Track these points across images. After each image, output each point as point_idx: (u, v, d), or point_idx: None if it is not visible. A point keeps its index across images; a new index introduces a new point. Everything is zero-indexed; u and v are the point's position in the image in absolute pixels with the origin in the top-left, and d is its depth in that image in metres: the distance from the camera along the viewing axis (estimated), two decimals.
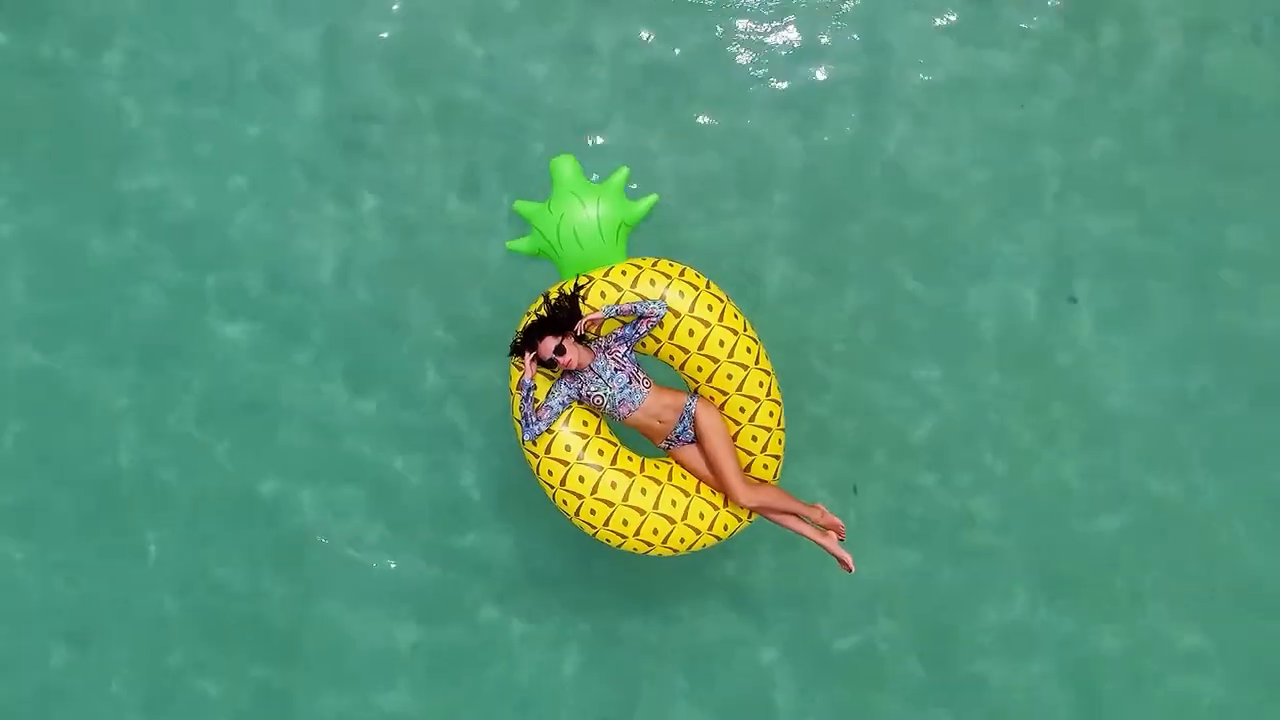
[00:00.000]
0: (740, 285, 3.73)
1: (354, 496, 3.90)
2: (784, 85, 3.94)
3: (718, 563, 3.84)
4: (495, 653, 3.86)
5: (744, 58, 3.97)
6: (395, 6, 3.98)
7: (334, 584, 3.88)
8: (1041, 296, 3.82)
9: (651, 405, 2.93)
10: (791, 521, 3.04)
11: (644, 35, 3.95)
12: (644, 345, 2.96)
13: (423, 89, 3.95)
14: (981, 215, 3.86)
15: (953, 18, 3.94)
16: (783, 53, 3.95)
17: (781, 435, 3.05)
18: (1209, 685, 3.82)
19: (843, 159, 3.90)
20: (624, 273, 2.90)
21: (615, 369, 2.90)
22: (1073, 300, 3.82)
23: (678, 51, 3.95)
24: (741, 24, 3.97)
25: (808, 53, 3.94)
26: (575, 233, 2.91)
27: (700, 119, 3.95)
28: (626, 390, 2.90)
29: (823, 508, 3.09)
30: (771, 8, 3.96)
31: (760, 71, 3.96)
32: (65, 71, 3.97)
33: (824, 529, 3.06)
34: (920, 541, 3.82)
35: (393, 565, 3.90)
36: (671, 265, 2.94)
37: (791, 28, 3.97)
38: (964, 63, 3.91)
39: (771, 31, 3.97)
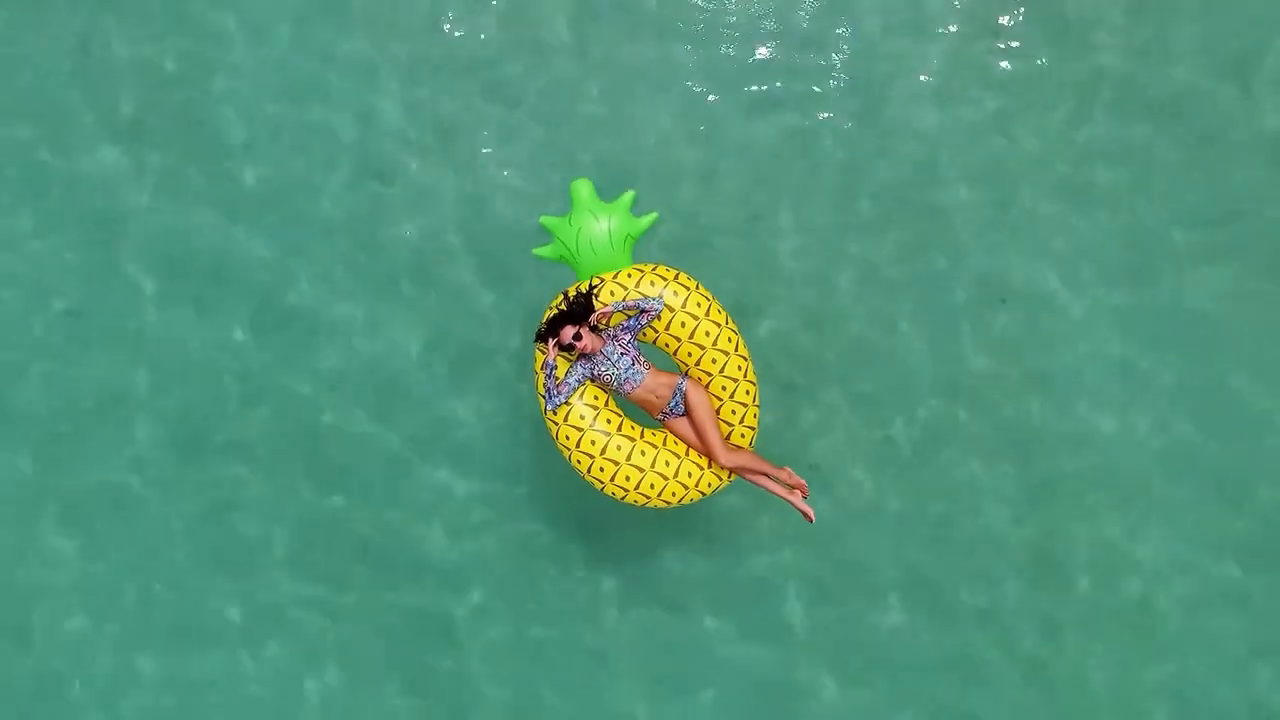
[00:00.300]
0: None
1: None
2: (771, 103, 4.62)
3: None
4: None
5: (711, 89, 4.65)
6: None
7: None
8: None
9: (650, 384, 3.60)
10: (763, 481, 3.70)
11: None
12: (645, 335, 3.62)
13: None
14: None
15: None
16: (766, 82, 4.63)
17: (756, 410, 3.71)
18: None
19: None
20: (630, 276, 3.56)
21: (621, 353, 3.56)
22: (1003, 301, 4.50)
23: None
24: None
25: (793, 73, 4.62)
26: (590, 242, 3.58)
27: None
28: (630, 371, 3.57)
29: (790, 470, 3.75)
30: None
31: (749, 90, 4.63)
32: None
33: (791, 488, 3.73)
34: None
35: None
36: (668, 270, 3.60)
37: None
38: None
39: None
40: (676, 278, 3.58)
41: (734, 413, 3.67)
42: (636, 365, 3.57)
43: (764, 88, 4.59)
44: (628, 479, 3.60)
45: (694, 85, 4.60)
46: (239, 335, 4.64)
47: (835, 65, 4.56)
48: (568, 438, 3.60)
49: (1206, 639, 4.43)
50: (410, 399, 4.63)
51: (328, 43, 4.65)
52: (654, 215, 3.71)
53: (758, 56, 4.59)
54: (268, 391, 4.63)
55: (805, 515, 3.72)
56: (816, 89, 4.57)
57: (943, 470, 4.49)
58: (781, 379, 4.48)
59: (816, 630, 4.51)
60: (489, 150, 4.65)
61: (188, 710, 4.60)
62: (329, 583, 4.60)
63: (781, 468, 3.73)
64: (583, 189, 3.64)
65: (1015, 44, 4.53)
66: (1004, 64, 4.52)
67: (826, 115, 4.56)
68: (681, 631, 4.53)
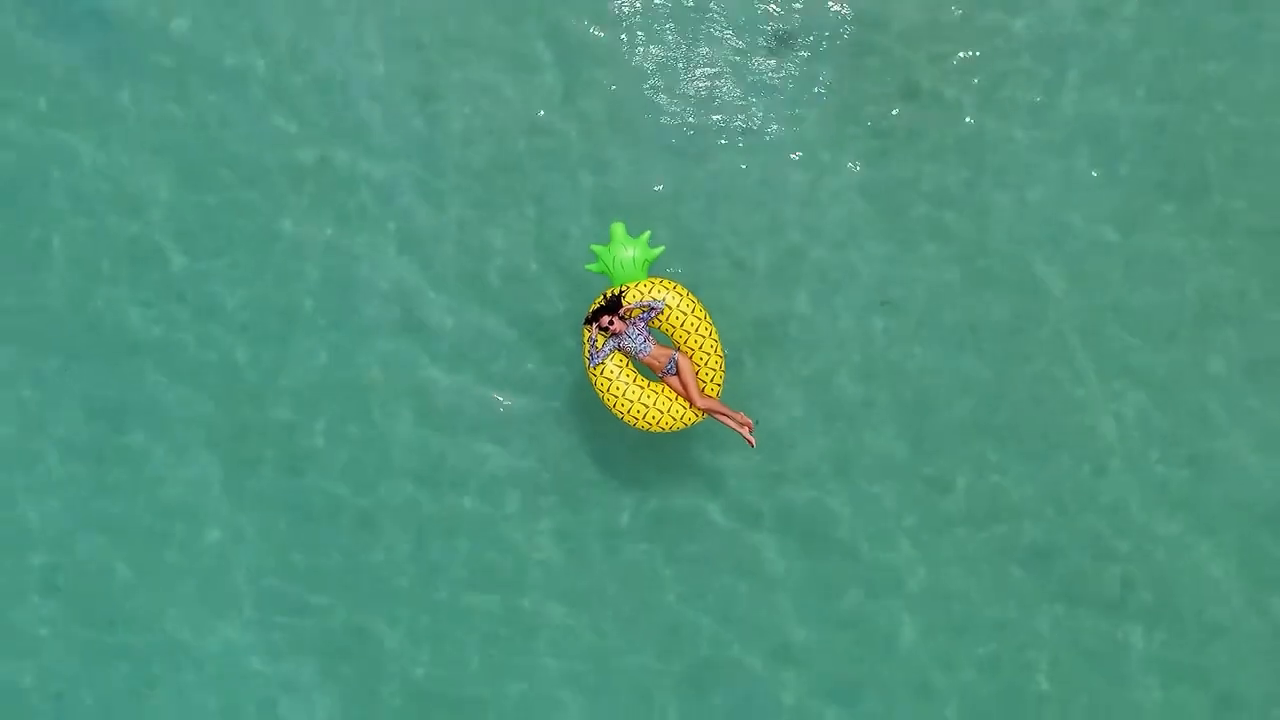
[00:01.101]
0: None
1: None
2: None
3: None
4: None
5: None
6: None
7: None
8: None
9: (655, 353, 5.67)
10: (724, 419, 5.76)
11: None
12: (653, 323, 5.71)
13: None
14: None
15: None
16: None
17: (722, 375, 5.80)
18: None
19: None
20: (646, 285, 5.65)
21: (638, 334, 5.64)
22: (885, 302, 6.57)
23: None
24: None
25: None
26: (621, 263, 5.68)
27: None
28: (643, 345, 5.64)
29: (744, 414, 5.83)
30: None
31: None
32: None
33: (740, 424, 5.81)
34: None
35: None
36: (668, 282, 5.69)
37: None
38: None
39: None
40: (674, 288, 5.68)
41: (708, 375, 5.76)
42: (647, 342, 5.65)
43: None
44: (636, 412, 5.70)
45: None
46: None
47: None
48: (602, 385, 5.70)
49: None
50: (507, 360, 6.80)
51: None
52: (662, 248, 5.83)
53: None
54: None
55: (749, 442, 5.80)
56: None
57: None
58: (735, 355, 6.59)
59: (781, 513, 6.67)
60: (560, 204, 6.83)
61: None
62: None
63: (738, 412, 5.82)
64: (618, 229, 5.76)
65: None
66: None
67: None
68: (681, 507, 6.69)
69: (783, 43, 6.72)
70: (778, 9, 6.73)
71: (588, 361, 5.69)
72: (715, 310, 6.05)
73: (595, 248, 5.81)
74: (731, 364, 6.30)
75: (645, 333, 5.65)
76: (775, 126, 6.71)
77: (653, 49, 6.77)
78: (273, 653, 6.78)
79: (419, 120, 6.84)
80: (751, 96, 6.73)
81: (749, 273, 6.68)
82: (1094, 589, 6.57)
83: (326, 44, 6.85)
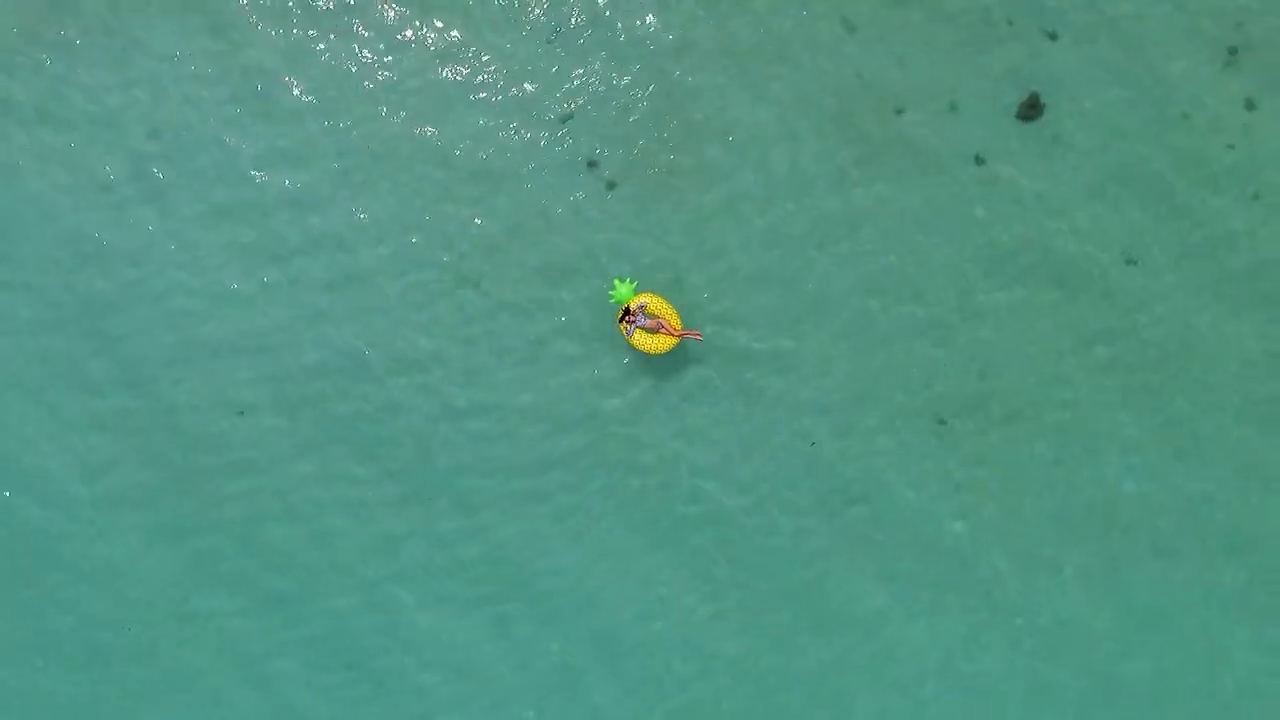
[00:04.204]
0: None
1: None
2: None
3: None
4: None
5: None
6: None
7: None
8: None
9: (651, 325, 14.33)
10: (684, 335, 14.44)
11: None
12: (647, 311, 14.50)
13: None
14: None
15: None
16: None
17: (678, 320, 14.55)
18: None
19: None
20: (635, 300, 14.41)
21: (640, 319, 14.34)
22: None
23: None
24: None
25: None
26: (624, 293, 14.52)
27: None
28: (644, 321, 14.35)
29: (695, 331, 14.56)
30: None
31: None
32: None
33: (693, 335, 14.52)
34: None
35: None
36: (644, 294, 14.46)
37: None
38: None
39: None
40: (646, 295, 14.49)
41: (673, 323, 14.54)
42: (648, 321, 14.41)
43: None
44: (646, 346, 14.38)
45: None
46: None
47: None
48: (632, 341, 14.45)
49: None
50: (564, 332, 15.45)
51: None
52: (636, 283, 14.69)
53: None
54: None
55: (699, 338, 14.57)
56: None
57: None
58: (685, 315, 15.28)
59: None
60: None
61: None
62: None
63: (690, 329, 14.57)
64: (621, 285, 14.60)
65: None
66: None
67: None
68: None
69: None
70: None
71: (624, 331, 14.51)
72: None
73: (612, 293, 14.68)
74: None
75: (643, 318, 14.43)
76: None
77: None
78: None
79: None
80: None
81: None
82: None
83: None
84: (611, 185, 14.57)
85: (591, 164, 14.58)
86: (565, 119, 14.55)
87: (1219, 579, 14.16)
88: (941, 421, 14.52)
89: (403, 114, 14.60)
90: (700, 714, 14.85)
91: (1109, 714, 14.52)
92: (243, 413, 14.83)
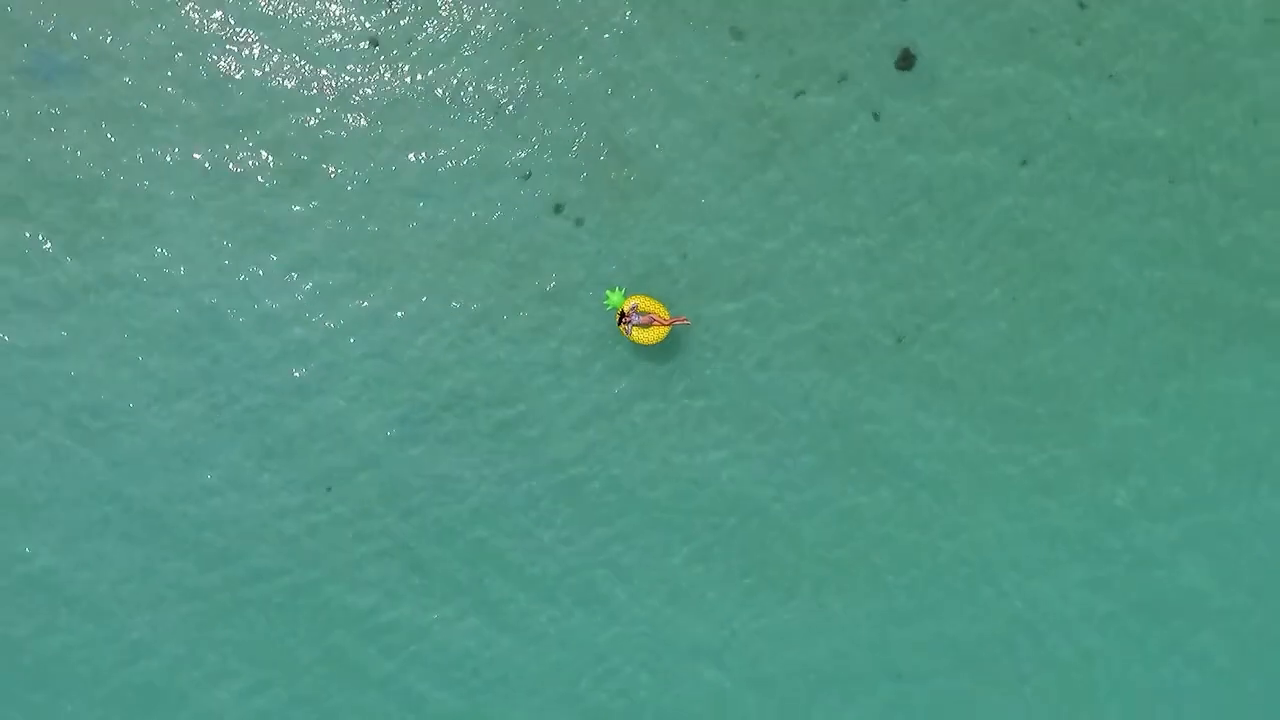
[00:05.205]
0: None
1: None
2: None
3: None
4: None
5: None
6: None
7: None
8: None
9: (644, 321, 16.91)
10: (673, 322, 17.07)
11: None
12: (639, 309, 17.07)
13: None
14: None
15: None
16: None
17: (666, 311, 17.13)
18: None
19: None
20: (628, 302, 16.98)
21: (635, 317, 16.95)
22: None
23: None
24: None
25: None
26: (616, 299, 17.10)
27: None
28: (638, 319, 16.96)
29: (683, 317, 17.16)
30: None
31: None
32: None
33: (682, 321, 17.13)
34: None
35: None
36: (634, 295, 17.10)
37: None
38: None
39: None
40: (636, 296, 17.10)
41: (662, 315, 17.14)
42: (641, 318, 16.96)
43: None
44: (642, 339, 16.96)
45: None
46: None
47: None
48: (627, 334, 17.03)
49: None
50: (572, 339, 18.00)
51: None
52: (624, 288, 17.33)
53: None
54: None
55: (688, 322, 17.17)
56: None
57: None
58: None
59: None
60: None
61: None
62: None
63: (677, 317, 17.18)
64: (612, 294, 17.20)
65: None
66: None
67: None
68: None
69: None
70: None
71: (623, 329, 17.06)
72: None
73: (605, 301, 17.31)
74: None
75: (637, 316, 17.01)
76: None
77: None
78: None
79: None
80: None
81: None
82: None
83: None
84: (580, 221, 17.21)
85: (558, 207, 17.24)
86: (525, 175, 17.23)
87: None
88: (899, 339, 17.13)
89: (397, 203, 17.27)
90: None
91: None
92: (330, 488, 17.35)
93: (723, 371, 17.29)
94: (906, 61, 17.06)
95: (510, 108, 17.10)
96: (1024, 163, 16.98)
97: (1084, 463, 16.84)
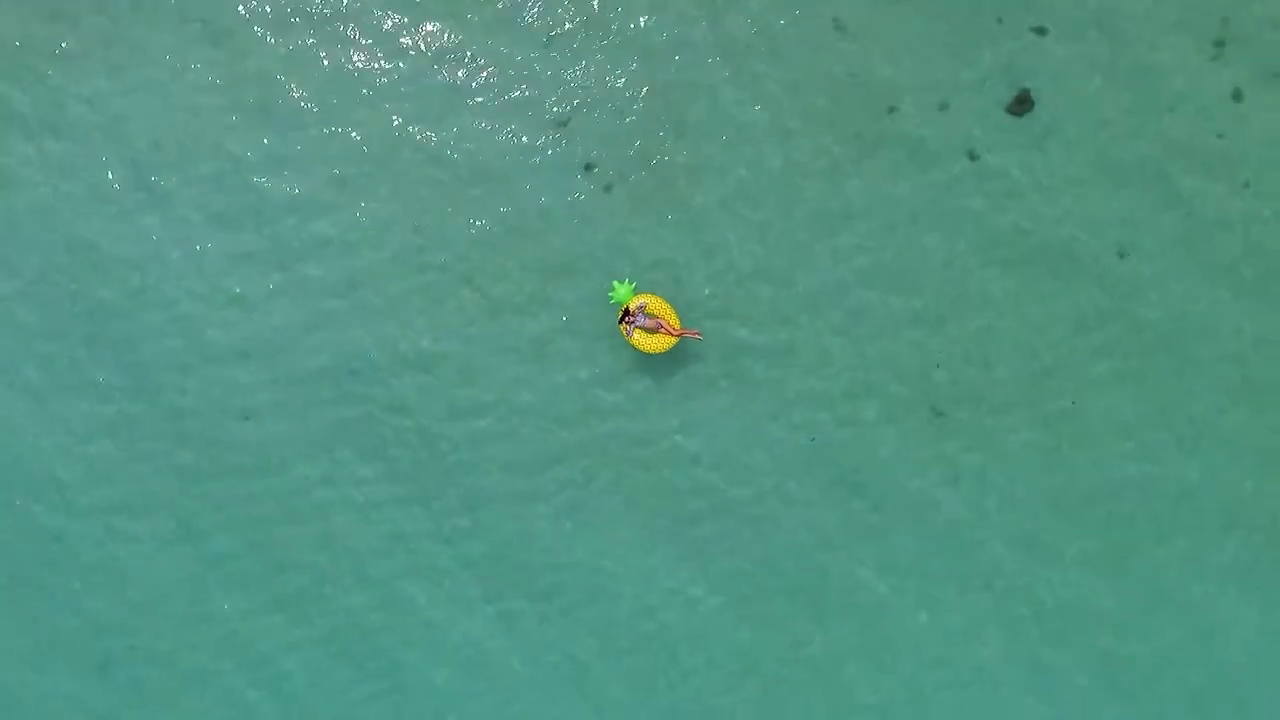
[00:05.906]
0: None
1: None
2: None
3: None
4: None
5: None
6: None
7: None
8: None
9: (650, 324, 14.60)
10: (683, 334, 14.69)
11: None
12: (647, 310, 14.72)
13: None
14: None
15: None
16: None
17: (677, 319, 14.75)
18: None
19: None
20: (635, 300, 14.66)
21: (640, 318, 14.60)
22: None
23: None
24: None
25: None
26: (623, 294, 14.75)
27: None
28: (645, 322, 14.63)
29: (697, 333, 14.76)
30: None
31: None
32: None
33: (692, 334, 14.74)
34: None
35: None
36: (643, 294, 14.70)
37: None
38: None
39: None
40: (645, 295, 14.71)
41: (671, 322, 14.75)
42: (647, 320, 14.62)
43: None
44: (645, 346, 14.67)
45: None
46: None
47: None
48: (631, 341, 14.71)
49: None
50: (581, 336, 15.70)
51: None
52: (634, 284, 14.88)
53: None
54: None
55: (698, 335, 14.77)
56: None
57: None
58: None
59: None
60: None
61: None
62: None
63: (689, 329, 14.77)
64: (620, 287, 14.82)
65: None
66: None
67: None
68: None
69: None
70: None
71: (624, 331, 14.71)
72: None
73: (611, 293, 14.88)
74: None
75: (642, 318, 14.62)
76: None
77: None
78: None
79: None
80: None
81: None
82: None
83: None
84: (608, 187, 14.74)
85: (589, 166, 14.76)
86: (562, 122, 14.71)
87: (1219, 558, 14.41)
88: (939, 413, 14.73)
89: (399, 119, 14.76)
90: (706, 704, 15.08)
91: (1112, 696, 14.75)
92: (249, 417, 14.99)
93: (727, 409, 14.88)
94: (1022, 105, 14.55)
95: (560, 43, 14.54)
96: (1121, 255, 14.53)
97: None
